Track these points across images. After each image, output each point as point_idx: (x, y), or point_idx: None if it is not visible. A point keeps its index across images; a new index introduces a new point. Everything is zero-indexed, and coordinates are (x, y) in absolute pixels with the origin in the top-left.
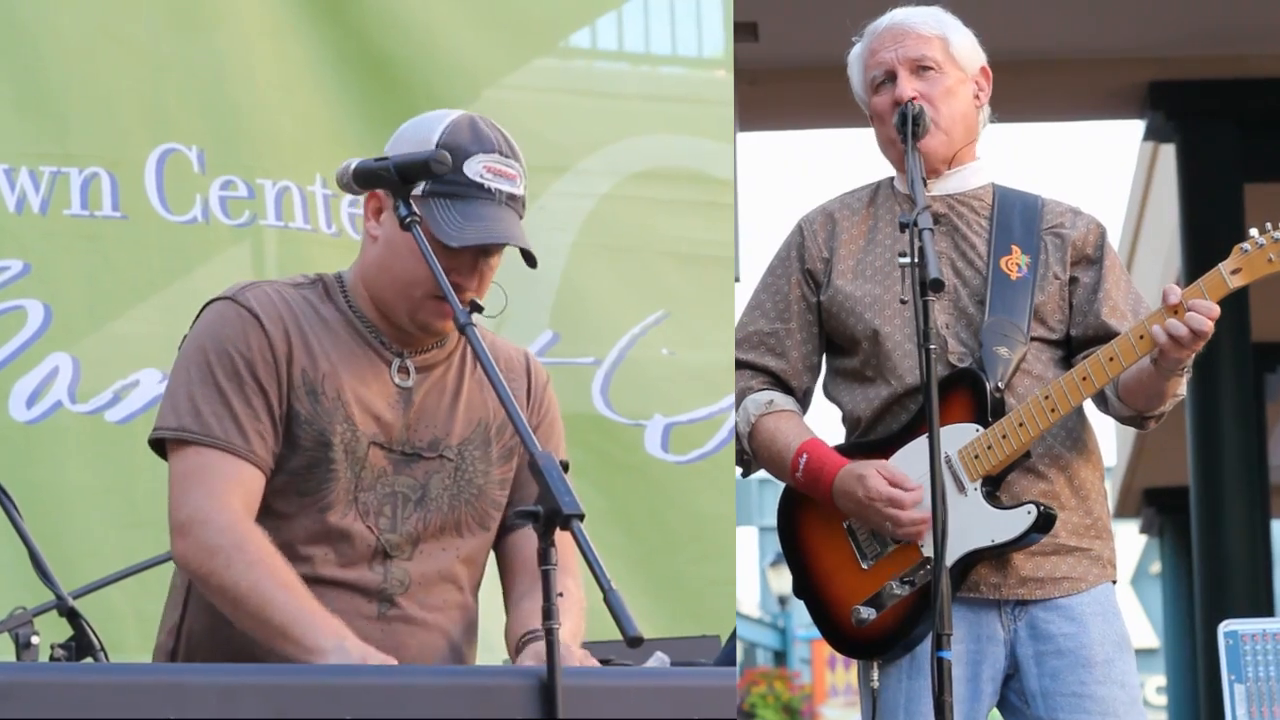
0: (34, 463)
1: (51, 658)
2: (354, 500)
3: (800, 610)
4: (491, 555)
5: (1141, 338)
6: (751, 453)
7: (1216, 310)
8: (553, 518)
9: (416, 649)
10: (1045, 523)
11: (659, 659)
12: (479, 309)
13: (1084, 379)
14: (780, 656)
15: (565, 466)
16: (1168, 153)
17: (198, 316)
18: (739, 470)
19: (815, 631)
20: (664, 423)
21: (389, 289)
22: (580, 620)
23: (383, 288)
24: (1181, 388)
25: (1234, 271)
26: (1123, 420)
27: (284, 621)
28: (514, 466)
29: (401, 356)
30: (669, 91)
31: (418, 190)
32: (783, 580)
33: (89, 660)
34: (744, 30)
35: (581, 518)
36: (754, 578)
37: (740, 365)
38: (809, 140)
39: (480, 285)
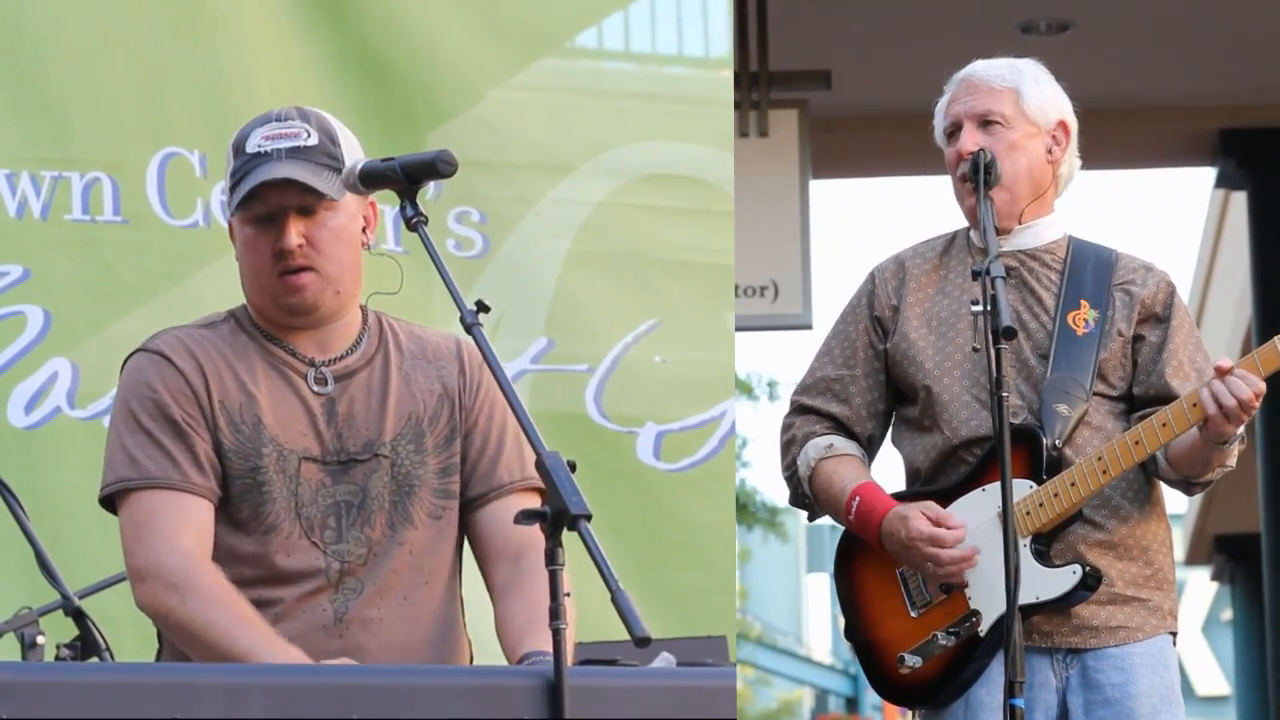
0: (33, 468)
1: (57, 657)
2: (298, 518)
3: None
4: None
5: (1195, 405)
6: (813, 496)
7: (1261, 386)
8: (560, 518)
9: (378, 650)
10: (1091, 582)
11: (665, 659)
12: (485, 309)
13: (1136, 443)
14: (852, 703)
15: (573, 467)
16: (1239, 200)
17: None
18: (804, 515)
19: None
20: (656, 430)
21: (250, 289)
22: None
23: (248, 293)
24: (1231, 459)
25: None
26: (1169, 483)
27: (244, 651)
28: (456, 450)
29: (315, 366)
30: (675, 92)
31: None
32: None
33: (94, 660)
34: (817, 78)
35: (589, 518)
36: (825, 624)
37: (805, 410)
38: (883, 188)
39: (318, 245)
